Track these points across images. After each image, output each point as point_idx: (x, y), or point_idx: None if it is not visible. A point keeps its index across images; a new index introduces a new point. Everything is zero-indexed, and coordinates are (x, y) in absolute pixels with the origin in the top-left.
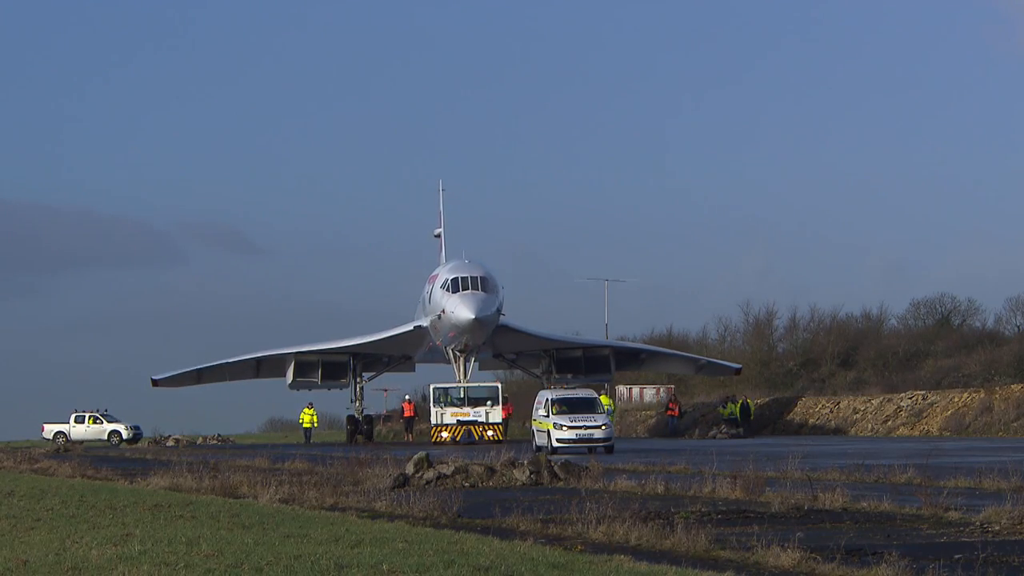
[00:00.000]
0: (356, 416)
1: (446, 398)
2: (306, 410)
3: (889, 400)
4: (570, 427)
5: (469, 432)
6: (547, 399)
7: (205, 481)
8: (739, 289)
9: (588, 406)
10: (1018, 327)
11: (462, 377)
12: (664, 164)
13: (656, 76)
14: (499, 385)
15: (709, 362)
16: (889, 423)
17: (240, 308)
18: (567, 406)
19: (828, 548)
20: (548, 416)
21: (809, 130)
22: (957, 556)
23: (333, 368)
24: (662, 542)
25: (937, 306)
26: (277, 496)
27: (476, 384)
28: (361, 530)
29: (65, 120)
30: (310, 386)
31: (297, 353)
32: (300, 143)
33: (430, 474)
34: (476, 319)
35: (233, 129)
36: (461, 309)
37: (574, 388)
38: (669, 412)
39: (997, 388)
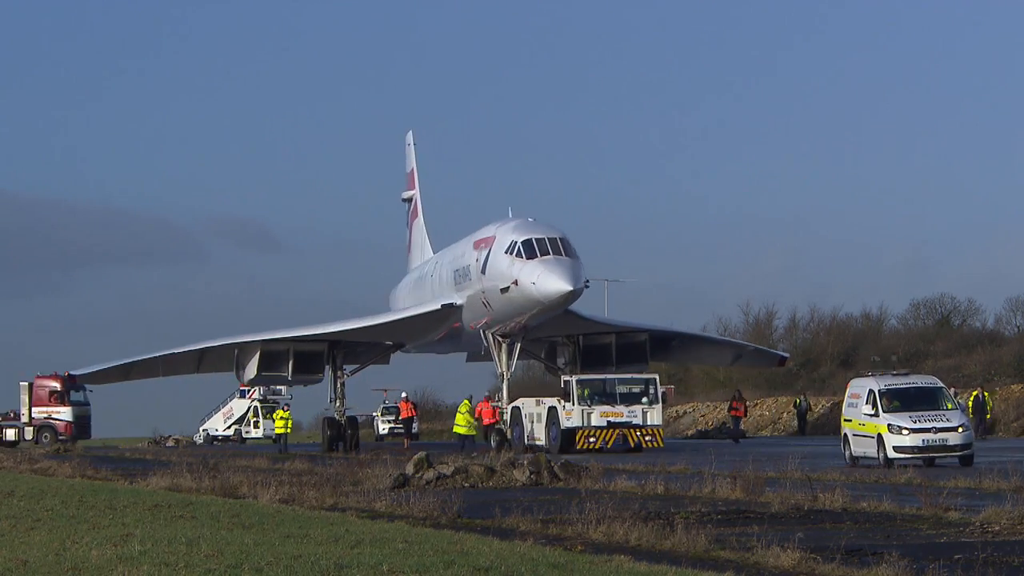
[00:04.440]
0: (337, 418)
1: (594, 393)
2: (280, 413)
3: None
4: (913, 430)
5: (624, 437)
6: (871, 391)
7: (205, 481)
8: (739, 289)
9: (931, 399)
10: (1018, 327)
11: (504, 369)
12: (663, 164)
13: (661, 77)
14: (657, 376)
15: (757, 349)
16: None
17: (262, 305)
18: (901, 400)
19: (828, 548)
20: (876, 415)
21: (809, 131)
22: (957, 556)
23: (308, 359)
24: (662, 542)
25: (937, 306)
26: (277, 496)
27: (628, 376)
28: (361, 530)
29: (85, 117)
30: (276, 381)
31: (265, 341)
32: (322, 139)
33: (430, 474)
34: (573, 291)
35: (254, 125)
36: (549, 279)
37: (903, 374)
38: (734, 412)
39: (997, 388)
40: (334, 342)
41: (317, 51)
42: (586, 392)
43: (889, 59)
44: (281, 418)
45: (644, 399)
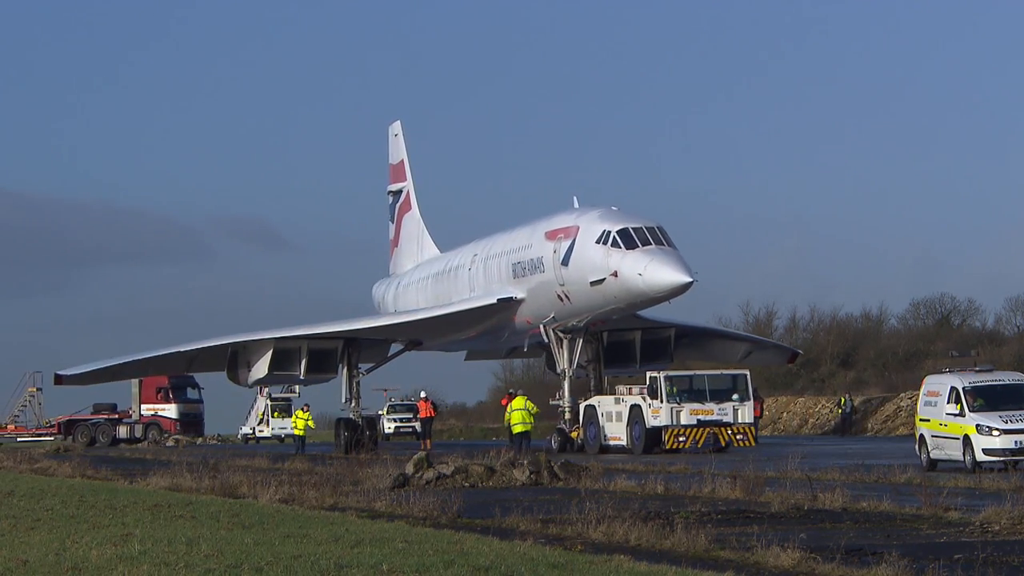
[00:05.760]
0: (354, 419)
1: (683, 390)
2: (299, 413)
3: (889, 400)
4: (1005, 431)
5: (715, 436)
6: (953, 388)
7: (205, 481)
8: (740, 289)
9: (1018, 397)
10: (1018, 327)
11: (566, 366)
12: (661, 164)
13: (662, 76)
14: (747, 373)
15: (775, 344)
16: (889, 423)
17: (269, 304)
18: (986, 397)
19: (828, 548)
20: (962, 414)
21: (808, 131)
22: (957, 556)
23: (321, 358)
24: (662, 542)
25: (937, 306)
26: (277, 496)
27: (718, 372)
28: (361, 530)
29: (88, 116)
30: (287, 380)
31: (279, 339)
32: (326, 137)
33: (430, 474)
34: (690, 282)
35: (259, 123)
36: (660, 270)
37: (987, 369)
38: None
39: None
40: (349, 340)
41: (321, 49)
42: (674, 389)
43: (891, 59)
44: (300, 419)
45: (735, 396)
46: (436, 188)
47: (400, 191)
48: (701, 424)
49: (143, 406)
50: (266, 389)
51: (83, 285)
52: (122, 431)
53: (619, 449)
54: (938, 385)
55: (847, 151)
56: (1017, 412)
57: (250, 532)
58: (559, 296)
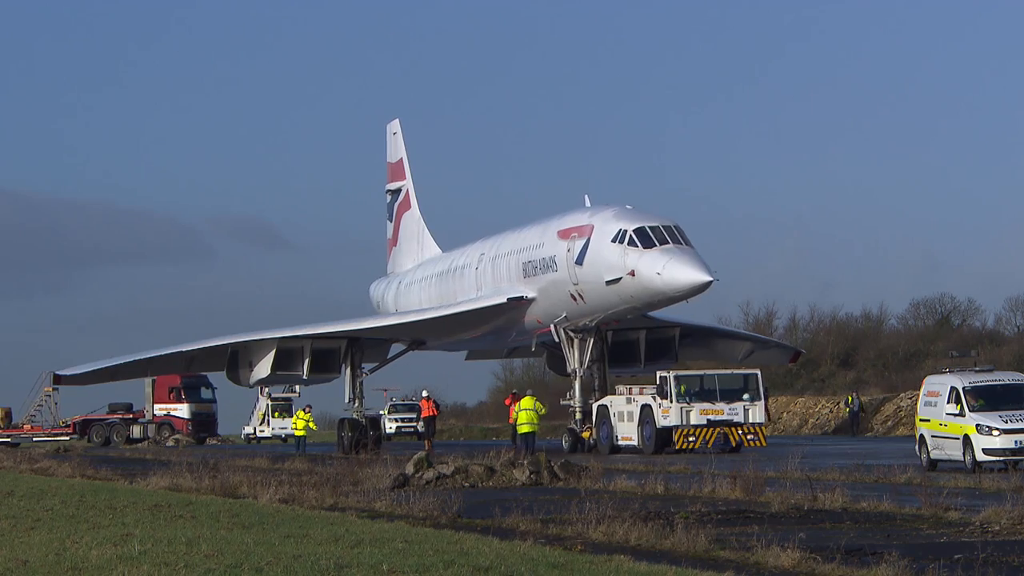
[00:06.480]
0: (358, 419)
1: (693, 390)
2: (300, 413)
3: (889, 400)
4: (1005, 431)
5: (725, 436)
6: (953, 388)
7: (205, 481)
8: (741, 289)
9: (1018, 397)
10: (1018, 327)
11: (577, 366)
12: (661, 164)
13: (662, 76)
14: (759, 372)
15: (779, 344)
16: (889, 423)
17: (269, 304)
18: (987, 397)
19: (828, 548)
20: (962, 414)
21: (808, 131)
22: (957, 556)
23: (324, 357)
24: (662, 542)
25: (937, 306)
26: (277, 496)
27: (729, 372)
28: (361, 530)
29: (89, 115)
30: (290, 380)
31: (282, 338)
32: (327, 136)
33: (430, 474)
34: (709, 282)
35: (259, 122)
36: (679, 269)
37: (987, 369)
38: None
39: None
40: (352, 340)
41: (320, 48)
42: (684, 389)
43: (891, 59)
44: (301, 419)
45: (745, 395)
46: (436, 187)
47: (399, 190)
48: (711, 424)
49: (156, 406)
50: (267, 389)
51: (83, 285)
52: (136, 431)
53: (630, 449)
54: (938, 385)
55: (847, 151)
56: (1017, 412)
57: (250, 532)
58: (572, 295)
